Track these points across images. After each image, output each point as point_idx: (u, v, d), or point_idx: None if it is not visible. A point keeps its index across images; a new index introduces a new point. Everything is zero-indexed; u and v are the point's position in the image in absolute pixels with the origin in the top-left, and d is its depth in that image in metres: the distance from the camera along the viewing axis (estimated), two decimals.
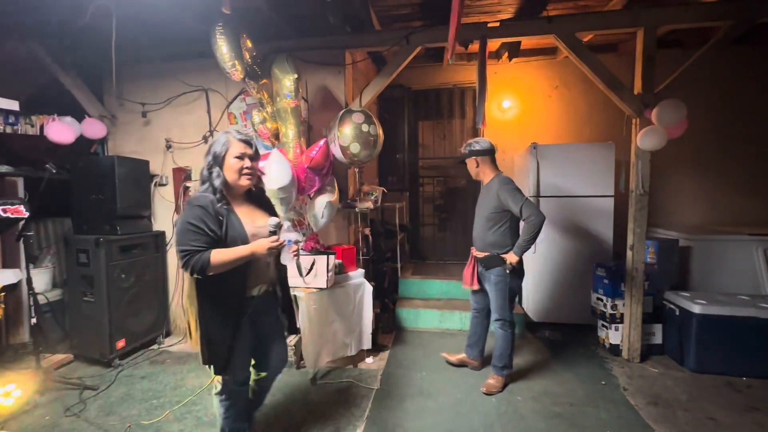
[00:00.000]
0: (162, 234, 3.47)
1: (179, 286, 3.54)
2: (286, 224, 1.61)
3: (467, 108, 4.80)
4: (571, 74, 4.34)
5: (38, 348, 2.59)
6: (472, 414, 2.27)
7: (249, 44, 2.60)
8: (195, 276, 1.47)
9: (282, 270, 1.80)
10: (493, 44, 3.92)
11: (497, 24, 2.96)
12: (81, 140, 3.29)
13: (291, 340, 2.86)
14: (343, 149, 2.71)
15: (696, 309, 2.73)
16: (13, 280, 2.17)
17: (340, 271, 2.78)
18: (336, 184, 2.91)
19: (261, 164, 2.65)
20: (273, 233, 1.54)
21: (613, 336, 3.02)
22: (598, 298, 3.15)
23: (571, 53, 2.85)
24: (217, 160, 1.56)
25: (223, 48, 2.48)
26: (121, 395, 2.55)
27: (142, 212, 3.36)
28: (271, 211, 1.76)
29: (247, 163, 1.58)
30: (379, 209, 3.91)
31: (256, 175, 1.65)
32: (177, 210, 3.50)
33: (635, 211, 2.88)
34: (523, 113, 4.51)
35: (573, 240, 3.48)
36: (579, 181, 3.45)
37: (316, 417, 2.26)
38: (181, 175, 3.47)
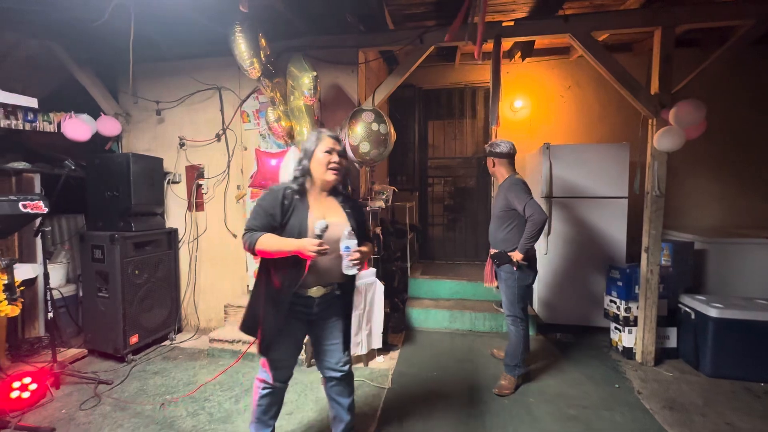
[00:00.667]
0: (174, 231, 3.49)
1: (191, 283, 3.57)
2: (347, 230, 1.50)
3: (478, 108, 4.77)
4: (584, 74, 4.30)
5: (55, 342, 2.62)
6: (485, 415, 2.25)
7: (263, 43, 2.61)
8: (250, 254, 1.56)
9: (353, 279, 1.71)
10: (506, 44, 3.89)
11: (512, 23, 2.94)
12: (96, 137, 3.33)
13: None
14: (354, 148, 2.71)
15: (713, 313, 2.69)
16: (32, 275, 2.20)
17: None
18: (350, 184, 2.90)
19: (274, 162, 2.66)
20: (318, 237, 1.46)
21: (626, 339, 2.98)
22: (611, 301, 3.11)
23: (586, 53, 2.82)
24: (307, 154, 1.63)
25: (241, 46, 2.49)
26: (135, 390, 2.57)
27: (156, 209, 3.39)
28: (353, 218, 1.65)
29: (334, 157, 1.61)
30: (389, 208, 3.91)
31: (343, 171, 1.65)
32: (189, 207, 3.53)
33: (650, 213, 2.84)
34: (535, 113, 4.48)
35: (585, 241, 3.44)
36: (592, 181, 3.41)
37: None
38: (194, 172, 3.50)
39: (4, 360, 2.72)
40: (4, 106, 2.62)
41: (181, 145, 3.51)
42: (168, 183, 3.54)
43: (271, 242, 1.50)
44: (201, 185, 3.50)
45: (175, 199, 3.56)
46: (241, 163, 3.44)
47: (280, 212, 1.55)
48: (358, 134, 2.70)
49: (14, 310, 2.05)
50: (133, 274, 3.03)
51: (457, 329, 3.56)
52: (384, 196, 3.27)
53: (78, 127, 3.04)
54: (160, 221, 3.45)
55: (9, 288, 2.04)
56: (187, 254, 3.57)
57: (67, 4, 2.50)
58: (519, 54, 4.08)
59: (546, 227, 3.43)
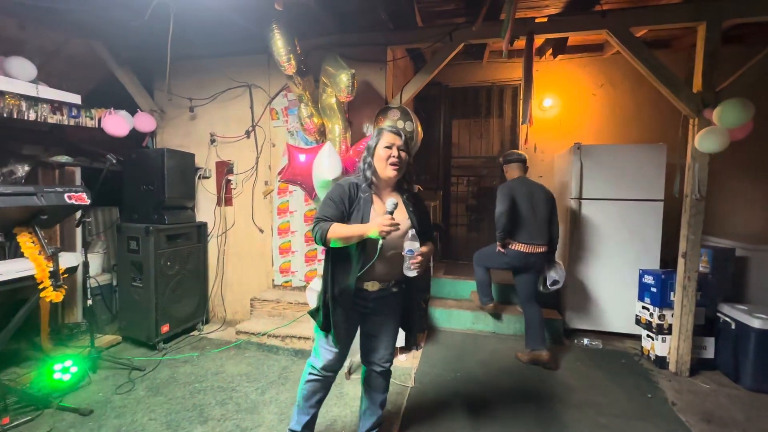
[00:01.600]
0: (204, 225, 3.59)
1: (219, 276, 3.67)
2: (411, 233, 1.50)
3: (505, 106, 4.68)
4: (618, 72, 4.16)
5: (93, 328, 2.74)
6: (511, 420, 2.21)
7: (295, 41, 2.64)
8: (320, 245, 1.59)
9: (412, 280, 1.68)
10: (537, 41, 3.80)
11: (545, 19, 2.87)
12: (131, 133, 3.46)
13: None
14: None
15: (755, 323, 2.55)
16: (75, 263, 2.31)
17: None
18: None
19: (303, 157, 2.68)
20: (390, 213, 1.49)
21: (659, 347, 2.87)
22: (644, 307, 3.00)
23: (624, 49, 2.72)
24: (370, 151, 1.68)
25: (279, 43, 2.53)
26: (166, 377, 2.66)
27: (187, 203, 3.50)
28: (416, 215, 1.66)
29: (394, 152, 1.62)
30: None
31: (404, 166, 1.65)
32: (218, 202, 3.62)
33: (690, 217, 2.72)
34: (565, 112, 4.36)
35: (616, 245, 3.33)
36: (626, 183, 3.29)
37: (353, 412, 2.28)
38: (224, 168, 3.58)
39: (46, 343, 2.87)
40: (51, 102, 2.75)
41: (212, 141, 3.60)
42: (199, 178, 3.64)
43: (340, 230, 1.54)
44: (230, 180, 3.59)
45: (205, 193, 3.66)
46: (269, 159, 3.51)
47: (348, 204, 1.61)
48: None
49: (58, 296, 2.16)
50: (165, 265, 3.14)
51: (481, 331, 3.52)
52: None
53: (117, 123, 3.16)
54: (190, 215, 3.56)
55: (54, 275, 2.14)
56: (215, 248, 3.67)
57: (110, 4, 2.60)
58: (550, 51, 3.98)
59: (576, 229, 3.36)
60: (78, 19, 2.81)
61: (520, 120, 2.93)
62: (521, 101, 2.91)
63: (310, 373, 1.79)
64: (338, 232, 1.53)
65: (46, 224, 2.28)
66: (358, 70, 3.21)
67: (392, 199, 1.51)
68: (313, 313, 1.74)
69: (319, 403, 1.84)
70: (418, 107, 4.71)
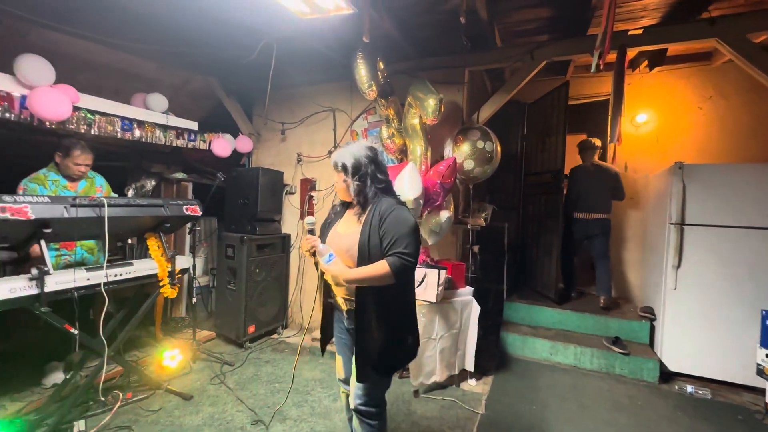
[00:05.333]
0: (288, 237, 3.92)
1: (298, 285, 3.95)
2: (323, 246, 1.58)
3: (590, 124, 4.39)
4: (730, 82, 3.68)
5: (195, 323, 3.14)
6: None
7: (381, 66, 2.83)
8: None
9: (366, 296, 1.52)
10: (630, 53, 3.55)
11: (640, 31, 2.68)
12: (231, 153, 3.96)
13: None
14: (459, 165, 2.73)
15: None
16: (187, 266, 2.69)
17: (449, 286, 2.78)
18: (452, 200, 2.93)
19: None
20: (309, 232, 1.63)
21: None
22: None
23: (739, 58, 2.42)
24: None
25: (362, 71, 2.75)
26: (251, 374, 2.92)
27: (275, 216, 3.86)
28: (369, 230, 1.53)
29: (339, 183, 1.64)
30: (486, 227, 3.81)
31: (353, 193, 1.59)
32: (301, 216, 3.93)
33: None
34: (662, 128, 3.96)
35: (730, 279, 2.88)
36: (741, 208, 2.86)
37: (421, 429, 2.27)
38: (307, 185, 3.90)
39: (159, 332, 3.35)
40: (176, 128, 3.30)
41: (299, 160, 3.95)
42: (286, 194, 4.01)
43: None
44: (312, 197, 3.89)
45: (290, 207, 4.01)
46: None
47: (325, 224, 1.74)
48: (464, 152, 2.73)
49: (173, 293, 2.54)
50: (254, 271, 3.48)
51: (559, 362, 3.27)
52: (484, 215, 3.21)
53: (223, 146, 3.65)
54: (277, 227, 3.91)
55: (171, 275, 2.52)
56: (296, 258, 3.97)
57: (225, 45, 3.06)
58: (645, 63, 3.67)
59: (675, 258, 3.00)
60: (200, 60, 3.35)
61: (608, 138, 2.73)
62: (610, 118, 2.72)
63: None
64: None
65: (168, 231, 2.70)
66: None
67: (311, 217, 1.67)
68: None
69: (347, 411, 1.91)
70: (494, 125, 4.65)
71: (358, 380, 1.57)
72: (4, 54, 2.44)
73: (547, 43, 2.89)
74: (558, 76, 4.27)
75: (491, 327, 3.57)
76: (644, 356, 3.03)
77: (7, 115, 2.31)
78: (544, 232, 3.92)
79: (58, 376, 2.56)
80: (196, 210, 2.60)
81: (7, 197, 1.73)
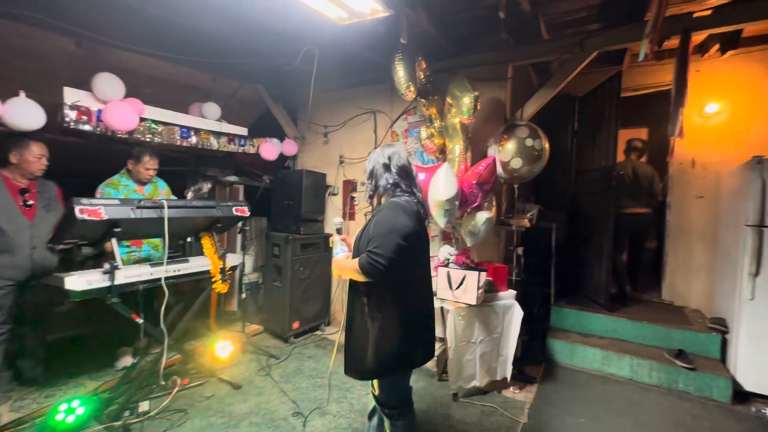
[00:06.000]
0: (330, 236, 4.03)
1: (340, 283, 4.04)
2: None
3: (651, 117, 4.05)
4: None
5: (245, 317, 3.33)
6: None
7: (423, 65, 2.82)
8: None
9: (352, 296, 1.65)
10: (697, 37, 3.21)
11: (708, 12, 2.42)
12: (278, 156, 4.15)
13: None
14: (504, 164, 2.65)
15: None
16: (237, 263, 2.87)
17: (490, 289, 2.70)
18: (494, 200, 2.85)
19: (423, 176, 2.81)
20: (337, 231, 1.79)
21: None
22: None
23: None
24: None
25: (400, 73, 2.76)
26: (294, 368, 3.05)
27: (318, 217, 3.99)
28: (364, 229, 1.69)
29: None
30: (532, 228, 3.65)
31: (368, 196, 1.77)
32: (344, 216, 4.02)
33: None
34: (736, 119, 3.53)
35: None
36: None
37: None
38: (349, 186, 3.98)
39: (213, 324, 3.61)
40: (228, 135, 3.53)
41: (341, 162, 4.05)
42: (328, 195, 4.13)
43: None
44: (353, 197, 3.96)
45: (333, 208, 4.12)
46: None
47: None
48: (510, 150, 2.64)
49: (224, 288, 2.72)
50: (298, 270, 3.62)
51: (612, 374, 3.04)
52: (529, 215, 3.08)
53: (270, 149, 3.84)
54: (320, 227, 4.04)
55: (222, 271, 2.71)
56: None
57: (271, 54, 3.22)
58: (716, 47, 3.31)
59: (753, 265, 2.68)
60: (249, 69, 3.56)
61: (669, 131, 2.49)
62: (672, 110, 2.48)
63: None
64: None
65: (220, 231, 2.90)
66: (476, 88, 3.25)
67: (338, 218, 1.83)
68: None
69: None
70: (540, 120, 4.44)
71: (344, 372, 1.67)
72: (84, 72, 2.76)
73: (598, 32, 2.71)
74: (614, 66, 3.98)
75: (537, 333, 3.42)
76: (714, 372, 2.73)
77: (87, 127, 2.62)
78: (595, 232, 3.67)
79: (127, 360, 2.85)
80: (244, 211, 2.77)
81: (84, 200, 1.96)
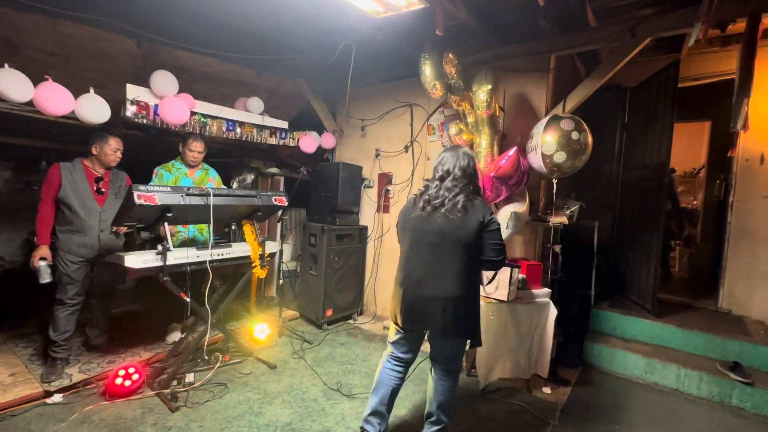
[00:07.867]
0: (365, 228, 4.11)
1: (373, 275, 4.12)
2: None
3: (711, 109, 3.71)
4: None
5: (282, 303, 3.50)
6: None
7: (454, 59, 2.78)
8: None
9: None
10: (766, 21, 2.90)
11: None
12: (316, 148, 4.27)
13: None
14: (545, 158, 2.56)
15: None
16: (275, 250, 3.02)
17: (523, 286, 2.64)
18: (527, 196, 2.77)
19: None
20: None
21: None
22: None
23: None
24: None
25: (426, 71, 2.78)
26: (326, 354, 3.17)
27: (353, 209, 4.08)
28: None
29: None
30: (573, 226, 3.49)
31: None
32: (378, 209, 4.08)
33: None
34: None
35: None
36: None
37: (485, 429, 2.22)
38: (384, 179, 4.03)
39: (253, 308, 3.82)
40: (270, 128, 3.70)
41: (377, 155, 4.10)
42: (364, 187, 4.20)
43: None
44: (389, 190, 4.01)
45: (368, 201, 4.19)
46: (423, 171, 3.76)
47: None
48: (552, 143, 2.54)
49: (263, 273, 2.88)
50: (333, 259, 3.74)
51: (655, 383, 2.87)
52: (568, 212, 2.95)
53: (310, 142, 3.98)
54: (355, 219, 4.13)
55: (261, 257, 2.86)
56: (372, 249, 4.14)
57: (311, 49, 3.32)
58: None
59: None
60: (291, 65, 3.69)
61: (731, 124, 2.28)
62: (735, 100, 2.27)
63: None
64: None
65: (260, 219, 3.06)
66: (516, 81, 3.17)
67: None
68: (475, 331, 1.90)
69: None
70: (584, 113, 4.21)
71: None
72: (144, 70, 3.02)
73: (651, 18, 2.52)
74: (671, 53, 3.68)
75: (574, 335, 3.28)
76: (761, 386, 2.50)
77: (145, 121, 2.86)
78: (642, 233, 3.45)
79: (176, 335, 3.10)
80: (282, 201, 2.90)
81: (141, 187, 2.15)
